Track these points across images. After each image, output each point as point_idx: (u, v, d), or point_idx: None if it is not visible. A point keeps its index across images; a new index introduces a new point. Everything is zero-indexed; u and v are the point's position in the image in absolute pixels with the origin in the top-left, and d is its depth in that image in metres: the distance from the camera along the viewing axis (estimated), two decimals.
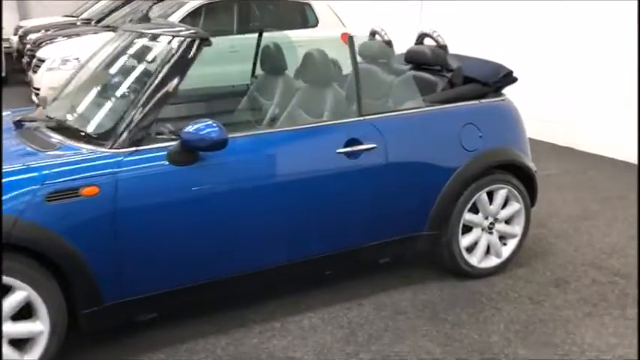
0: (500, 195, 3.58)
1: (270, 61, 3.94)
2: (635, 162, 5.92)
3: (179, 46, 2.83)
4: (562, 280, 3.68)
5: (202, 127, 2.60)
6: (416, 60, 3.86)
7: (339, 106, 3.29)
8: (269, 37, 4.20)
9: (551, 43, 6.74)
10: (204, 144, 2.59)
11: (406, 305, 3.37)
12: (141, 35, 3.23)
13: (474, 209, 3.56)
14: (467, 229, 3.58)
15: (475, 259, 3.61)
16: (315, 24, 8.43)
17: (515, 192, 3.62)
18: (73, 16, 11.72)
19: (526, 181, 3.68)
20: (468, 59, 3.86)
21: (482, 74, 3.68)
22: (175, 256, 2.74)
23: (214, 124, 2.61)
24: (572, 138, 6.60)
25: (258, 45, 4.15)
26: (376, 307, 3.34)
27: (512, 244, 3.73)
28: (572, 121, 6.60)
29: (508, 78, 3.70)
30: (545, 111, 6.81)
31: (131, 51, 3.19)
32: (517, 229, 3.72)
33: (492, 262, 3.69)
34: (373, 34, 4.22)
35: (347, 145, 3.07)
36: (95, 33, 8.44)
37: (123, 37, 3.33)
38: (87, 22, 10.51)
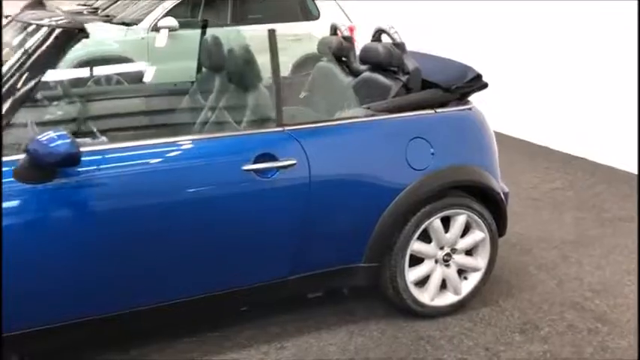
0: (459, 222, 3.03)
1: (209, 57, 3.45)
2: None
3: (47, 38, 2.37)
4: (531, 325, 3.10)
5: (54, 138, 2.13)
6: (369, 59, 3.32)
7: (258, 114, 2.79)
8: (221, 31, 3.72)
9: (557, 44, 6.08)
10: (52, 159, 2.12)
11: (334, 351, 2.85)
12: (28, 25, 2.78)
13: (427, 238, 3.01)
14: (419, 260, 3.04)
15: (427, 296, 3.06)
16: (317, 17, 7.92)
17: (478, 218, 3.06)
18: (86, 5, 11.48)
19: (492, 206, 3.11)
20: (430, 59, 3.31)
21: (445, 78, 3.12)
22: (28, 291, 2.29)
23: (67, 135, 2.14)
24: (586, 147, 5.92)
25: (202, 39, 3.67)
26: (298, 352, 2.83)
27: (474, 278, 3.17)
28: (585, 129, 5.92)
29: (476, 83, 3.13)
30: (557, 116, 6.15)
31: (15, 42, 2.74)
32: (480, 261, 3.15)
33: (449, 299, 3.13)
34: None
35: (257, 160, 2.56)
36: (89, 22, 8.09)
37: (14, 28, 2.89)
38: (94, 11, 10.22)
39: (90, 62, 6.18)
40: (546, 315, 3.19)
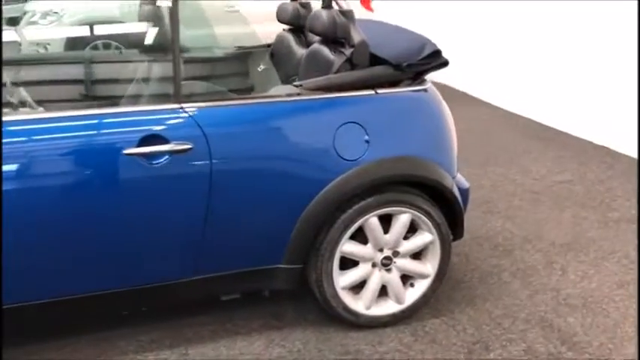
0: (400, 222, 2.61)
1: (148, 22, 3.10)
2: None
3: None
4: (482, 345, 2.67)
5: None
6: (314, 29, 2.89)
7: (159, 89, 2.43)
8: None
9: (587, 24, 5.44)
10: None
11: None
12: None
13: (364, 238, 2.61)
14: (356, 263, 2.65)
15: (362, 305, 2.67)
16: None
17: (426, 219, 2.63)
18: None
19: (444, 205, 2.68)
20: (384, 30, 2.87)
21: (396, 53, 2.67)
22: None
23: None
24: (608, 135, 5.31)
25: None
26: None
27: (421, 286, 2.76)
28: (609, 114, 5.30)
29: (433, 60, 2.67)
30: (579, 100, 5.55)
31: None
32: (429, 267, 2.74)
33: (390, 308, 2.73)
34: None
35: (143, 143, 2.20)
36: None
37: None
38: None
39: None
40: (505, 333, 2.76)
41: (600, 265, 3.36)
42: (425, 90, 2.68)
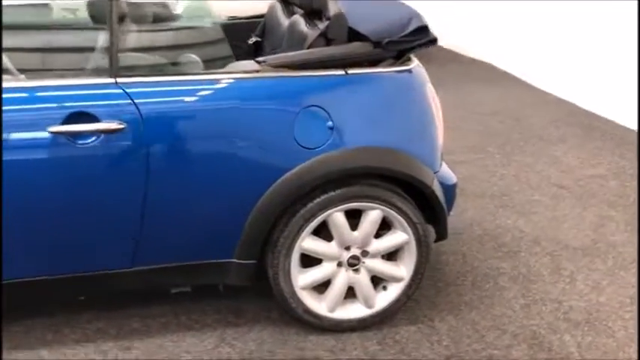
0: (370, 219, 2.33)
1: None
2: None
3: None
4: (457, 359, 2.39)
5: None
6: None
7: (96, 61, 2.21)
8: None
9: None
10: None
11: None
12: None
13: (328, 235, 2.35)
14: (319, 261, 2.40)
15: (324, 306, 2.43)
16: None
17: (399, 217, 2.35)
18: None
19: (422, 203, 2.38)
20: (370, 2, 2.55)
21: (377, 28, 2.36)
22: None
23: None
24: None
25: None
26: (142, 357, 2.32)
27: (395, 290, 2.48)
28: None
29: (419, 36, 2.35)
30: (634, 88, 5.04)
31: None
32: (402, 270, 2.45)
33: (358, 312, 2.47)
34: None
35: (69, 121, 2.00)
36: None
37: None
38: None
39: None
40: (486, 348, 2.46)
41: (616, 275, 2.98)
42: (409, 71, 2.37)
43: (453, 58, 6.90)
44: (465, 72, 6.48)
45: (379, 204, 2.31)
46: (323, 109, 2.19)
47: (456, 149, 4.47)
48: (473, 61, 6.80)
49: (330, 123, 2.19)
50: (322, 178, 2.21)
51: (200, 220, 2.22)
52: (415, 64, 2.41)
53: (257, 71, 2.20)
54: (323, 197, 2.26)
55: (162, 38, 2.68)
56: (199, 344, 2.39)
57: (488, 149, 4.55)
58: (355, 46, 2.34)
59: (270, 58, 2.28)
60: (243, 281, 2.36)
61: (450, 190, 2.47)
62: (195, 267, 2.30)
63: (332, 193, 2.26)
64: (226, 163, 2.15)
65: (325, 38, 2.38)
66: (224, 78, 2.19)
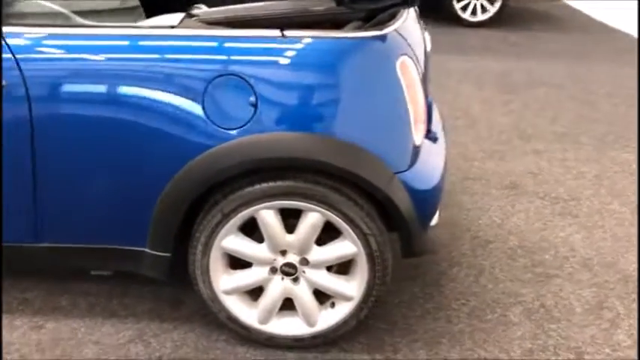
0: (308, 222, 1.88)
1: None
2: None
3: None
4: None
5: None
6: None
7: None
8: None
9: None
10: None
11: (88, 352, 2.04)
12: None
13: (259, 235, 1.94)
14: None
15: (254, 316, 2.03)
16: None
17: (345, 225, 1.86)
18: None
19: (383, 211, 1.88)
20: None
21: None
22: None
23: None
24: None
25: None
26: (50, 340, 2.09)
27: (343, 309, 2.01)
28: None
29: None
30: None
31: None
32: (352, 286, 1.97)
33: (296, 329, 2.04)
34: None
35: None
36: None
37: None
38: None
39: None
40: None
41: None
42: (379, 38, 1.83)
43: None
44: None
45: (317, 205, 1.84)
46: (244, 79, 1.74)
47: (538, 134, 3.77)
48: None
49: (252, 98, 1.75)
50: (236, 168, 1.78)
51: (101, 200, 1.91)
52: (392, 29, 1.86)
53: (171, 27, 1.79)
54: (246, 190, 1.84)
55: None
56: (114, 335, 2.12)
57: (581, 139, 3.77)
58: (309, 3, 1.85)
59: (205, 13, 1.87)
60: (159, 275, 2.02)
61: (423, 195, 1.92)
62: (105, 251, 2.00)
63: (257, 187, 1.83)
64: (124, 136, 1.80)
65: None
66: (126, 34, 1.81)
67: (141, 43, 1.79)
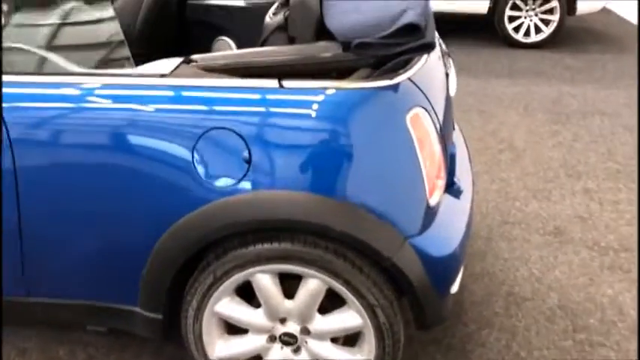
0: (308, 288, 1.69)
1: None
2: None
3: None
4: None
5: None
6: None
7: None
8: None
9: None
10: None
11: None
12: None
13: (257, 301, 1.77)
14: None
15: None
16: None
17: (350, 294, 1.67)
18: None
19: (393, 279, 1.67)
20: None
21: (351, 25, 1.66)
22: None
23: None
24: None
25: None
26: None
27: None
28: None
29: (406, 39, 1.60)
30: None
31: None
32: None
33: None
34: None
35: None
36: None
37: None
38: None
39: None
40: None
41: None
42: (389, 88, 1.64)
43: None
44: None
45: (318, 272, 1.65)
46: (237, 133, 1.57)
47: (589, 171, 3.48)
48: None
49: (245, 154, 1.58)
50: (227, 229, 1.62)
51: (88, 257, 1.77)
52: (404, 77, 1.66)
53: (161, 76, 1.65)
54: (240, 252, 1.67)
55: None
56: None
57: (637, 177, 3.45)
58: (313, 49, 1.67)
59: (203, 59, 1.71)
60: (153, 335, 1.86)
61: (438, 261, 1.70)
62: (96, 308, 1.87)
63: (251, 248, 1.66)
64: (111, 191, 1.66)
65: (287, 33, 1.74)
66: (112, 83, 1.67)
67: (127, 92, 1.65)
